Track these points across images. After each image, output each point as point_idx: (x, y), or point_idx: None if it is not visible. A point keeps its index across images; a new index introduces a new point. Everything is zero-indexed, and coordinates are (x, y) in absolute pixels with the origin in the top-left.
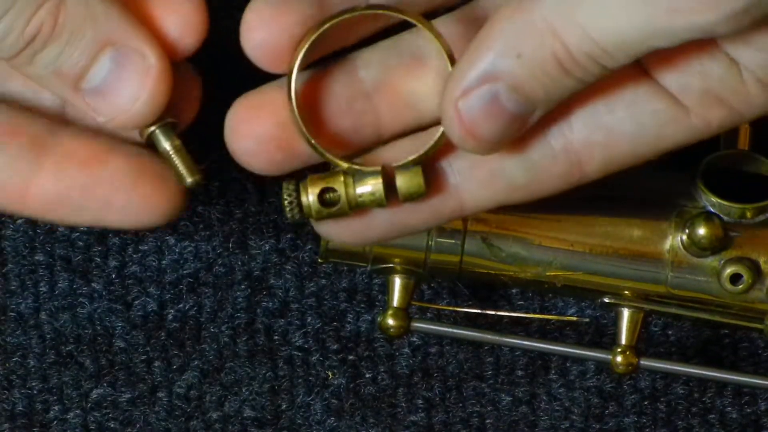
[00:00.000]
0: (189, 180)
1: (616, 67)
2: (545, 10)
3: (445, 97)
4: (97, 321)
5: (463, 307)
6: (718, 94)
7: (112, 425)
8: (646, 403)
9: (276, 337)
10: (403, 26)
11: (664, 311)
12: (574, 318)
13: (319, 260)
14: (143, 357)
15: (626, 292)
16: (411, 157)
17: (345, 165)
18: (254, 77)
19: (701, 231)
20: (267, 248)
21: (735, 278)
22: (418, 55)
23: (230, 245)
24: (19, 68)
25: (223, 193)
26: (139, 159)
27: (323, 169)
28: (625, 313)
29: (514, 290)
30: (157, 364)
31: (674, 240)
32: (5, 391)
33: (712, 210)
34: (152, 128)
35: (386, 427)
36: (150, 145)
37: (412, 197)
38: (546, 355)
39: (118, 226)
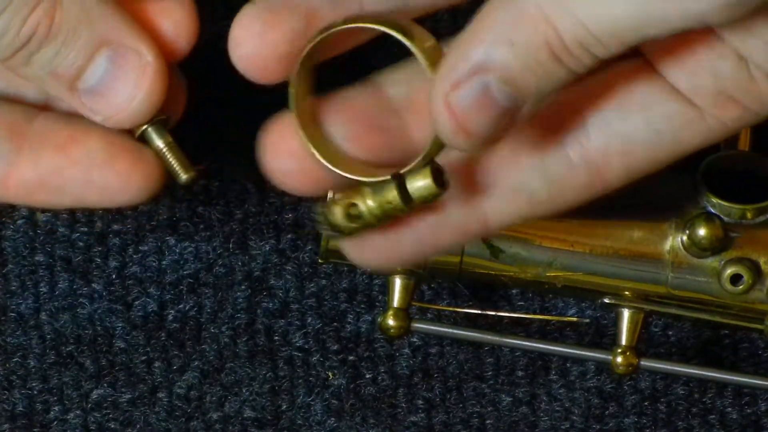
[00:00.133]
0: (184, 177)
1: (608, 56)
2: None
3: (433, 92)
4: (97, 321)
5: (464, 308)
6: (729, 92)
7: (113, 426)
8: (646, 403)
9: (276, 338)
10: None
11: (664, 312)
12: (575, 318)
13: (320, 261)
14: (143, 357)
15: (626, 293)
16: (417, 160)
17: (359, 178)
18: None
19: (701, 232)
20: (267, 249)
21: (735, 279)
22: None
23: (230, 246)
24: (14, 69)
25: (223, 194)
26: (115, 137)
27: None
28: (626, 313)
29: (514, 291)
30: (157, 364)
31: (674, 240)
32: (5, 392)
33: (713, 210)
34: (144, 126)
35: (386, 427)
36: (142, 142)
37: (427, 198)
38: (546, 356)
39: (99, 204)
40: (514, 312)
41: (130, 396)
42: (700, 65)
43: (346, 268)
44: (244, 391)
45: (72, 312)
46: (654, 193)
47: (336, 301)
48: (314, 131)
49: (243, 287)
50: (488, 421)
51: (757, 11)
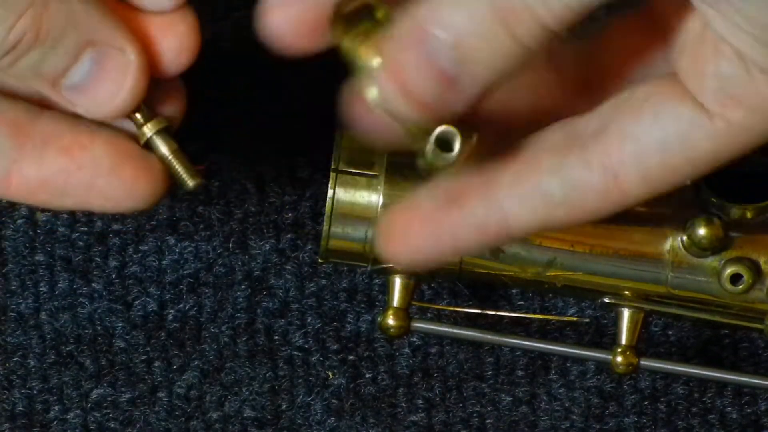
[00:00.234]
0: (190, 183)
1: (556, 24)
2: None
3: (383, 53)
4: (97, 321)
5: (464, 307)
6: (731, 91)
7: (112, 425)
8: (646, 403)
9: (276, 338)
10: None
11: (664, 311)
12: (575, 318)
13: (320, 260)
14: (143, 357)
15: (626, 293)
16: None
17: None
18: (254, 78)
19: (701, 231)
20: (267, 248)
21: (735, 278)
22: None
23: (230, 245)
24: None
25: (223, 193)
26: (120, 142)
27: None
28: (626, 313)
29: (514, 290)
30: (157, 364)
31: (674, 240)
32: (5, 391)
33: (713, 210)
34: (149, 134)
35: (386, 427)
36: (147, 150)
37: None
38: (546, 356)
39: (101, 210)
40: (514, 311)
41: (130, 396)
42: (703, 64)
43: (345, 268)
44: (244, 390)
45: (72, 312)
46: None
47: (336, 300)
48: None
49: (243, 287)
50: (488, 421)
51: None
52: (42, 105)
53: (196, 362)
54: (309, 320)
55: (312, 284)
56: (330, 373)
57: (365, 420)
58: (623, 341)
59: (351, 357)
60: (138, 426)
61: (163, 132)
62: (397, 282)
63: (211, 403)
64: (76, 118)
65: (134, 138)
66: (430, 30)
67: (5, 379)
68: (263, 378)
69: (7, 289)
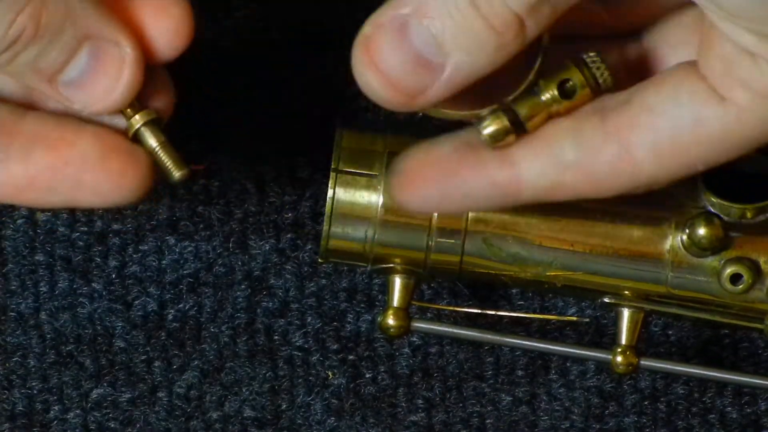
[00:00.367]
0: (177, 174)
1: (523, 9)
2: None
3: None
4: (97, 321)
5: (463, 307)
6: (738, 75)
7: (112, 425)
8: (646, 403)
9: (276, 337)
10: None
11: (664, 311)
12: (574, 318)
13: (319, 260)
14: (143, 357)
15: (626, 292)
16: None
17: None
18: (254, 78)
19: (701, 231)
20: (267, 248)
21: (735, 278)
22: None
23: (230, 245)
24: None
25: (223, 193)
26: (106, 137)
27: None
28: (626, 313)
29: (514, 290)
30: (157, 364)
31: (674, 240)
32: (5, 391)
33: (713, 210)
34: (137, 126)
35: (386, 427)
36: (136, 142)
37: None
38: (546, 355)
39: (90, 205)
40: (514, 311)
41: (129, 395)
42: (711, 47)
43: (345, 268)
44: (244, 390)
45: (72, 311)
46: (654, 192)
47: (336, 300)
48: None
49: (243, 287)
50: (488, 421)
51: None
52: (26, 105)
53: (196, 362)
54: (309, 320)
55: (312, 284)
56: (330, 373)
57: (365, 420)
58: (623, 341)
59: (351, 357)
60: (138, 426)
61: (151, 124)
62: (397, 282)
63: (211, 403)
64: (60, 115)
65: (120, 132)
66: (403, 2)
67: (5, 379)
68: (263, 378)
69: (7, 289)
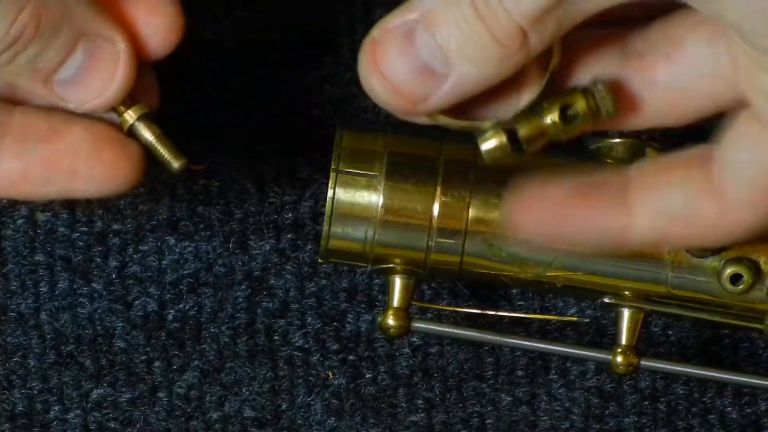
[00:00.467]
0: (175, 165)
1: (525, 20)
2: None
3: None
4: (97, 321)
5: (464, 307)
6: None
7: (113, 425)
8: (646, 403)
9: (276, 338)
10: None
11: (664, 311)
12: (575, 318)
13: (319, 260)
14: (143, 357)
15: (626, 293)
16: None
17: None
18: (254, 78)
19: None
20: (267, 248)
21: (735, 278)
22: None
23: (230, 245)
24: None
25: (223, 193)
26: (97, 127)
27: None
28: (626, 313)
29: (514, 290)
30: (157, 364)
31: None
32: (5, 391)
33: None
34: (131, 120)
35: (386, 427)
36: (131, 137)
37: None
38: (546, 356)
39: (86, 194)
40: (514, 311)
41: (130, 396)
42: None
43: (345, 268)
44: (244, 390)
45: (72, 312)
46: None
47: (336, 300)
48: None
49: (243, 287)
50: (488, 421)
51: None
52: (13, 101)
53: (196, 362)
54: (309, 320)
55: (312, 284)
56: (330, 373)
57: (365, 420)
58: (623, 341)
59: (351, 357)
60: (138, 426)
61: (145, 118)
62: (397, 282)
63: (211, 403)
64: (49, 110)
65: (110, 123)
66: (410, 8)
67: (5, 379)
68: (263, 378)
69: (7, 289)
